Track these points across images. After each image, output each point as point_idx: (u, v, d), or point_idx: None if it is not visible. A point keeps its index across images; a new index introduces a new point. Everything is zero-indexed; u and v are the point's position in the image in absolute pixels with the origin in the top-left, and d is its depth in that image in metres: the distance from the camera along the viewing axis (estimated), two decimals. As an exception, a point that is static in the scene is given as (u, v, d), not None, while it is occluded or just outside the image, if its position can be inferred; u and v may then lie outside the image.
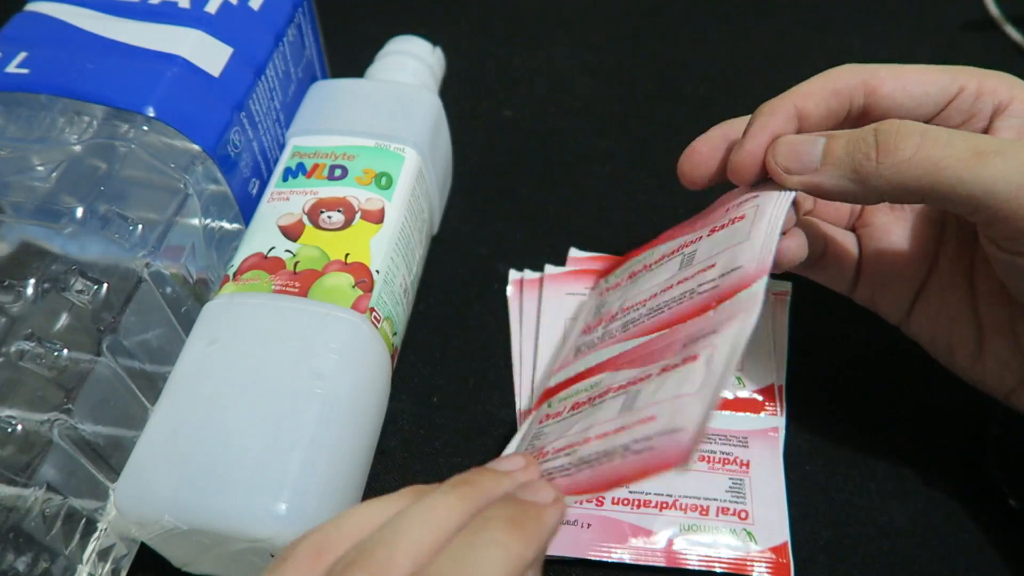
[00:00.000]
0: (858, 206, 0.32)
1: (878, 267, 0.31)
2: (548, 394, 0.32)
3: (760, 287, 0.25)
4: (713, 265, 0.28)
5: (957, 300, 0.29)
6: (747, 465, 0.32)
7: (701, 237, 0.30)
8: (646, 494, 0.31)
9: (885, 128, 0.25)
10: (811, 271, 0.32)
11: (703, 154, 0.30)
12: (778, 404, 0.34)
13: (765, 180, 0.28)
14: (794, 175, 0.27)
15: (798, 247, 0.28)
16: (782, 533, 0.30)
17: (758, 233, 0.27)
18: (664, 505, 0.31)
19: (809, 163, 0.26)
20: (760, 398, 0.34)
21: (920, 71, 0.28)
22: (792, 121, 0.28)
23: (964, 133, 0.24)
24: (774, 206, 0.27)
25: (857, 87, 0.28)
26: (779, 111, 0.28)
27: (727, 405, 0.34)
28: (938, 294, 0.30)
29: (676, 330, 0.27)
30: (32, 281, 0.28)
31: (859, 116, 0.28)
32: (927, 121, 0.28)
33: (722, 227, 0.29)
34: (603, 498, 0.31)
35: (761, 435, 0.33)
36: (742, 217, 0.28)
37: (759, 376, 0.35)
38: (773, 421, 0.33)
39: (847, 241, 0.32)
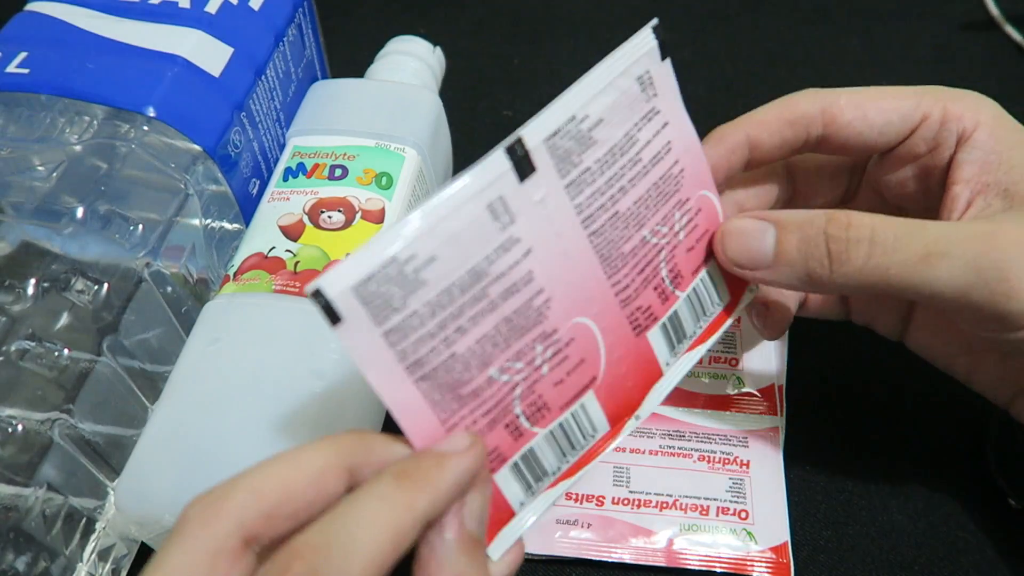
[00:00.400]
0: None
1: (863, 300, 0.32)
2: None
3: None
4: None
5: (947, 324, 0.29)
6: (747, 465, 0.32)
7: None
8: (646, 494, 0.31)
9: (835, 235, 0.25)
10: (800, 312, 0.32)
11: None
12: (778, 404, 0.34)
13: None
14: (746, 270, 0.26)
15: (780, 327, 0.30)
16: (782, 533, 0.30)
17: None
18: (664, 505, 0.31)
19: (761, 260, 0.26)
20: (760, 398, 0.34)
21: (883, 96, 0.27)
22: (742, 150, 0.28)
23: (913, 229, 0.24)
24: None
25: (815, 116, 0.27)
26: (729, 139, 0.28)
27: (727, 405, 0.34)
28: (927, 315, 0.30)
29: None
30: (32, 281, 0.28)
31: (817, 144, 0.28)
32: (891, 149, 0.28)
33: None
34: (603, 498, 0.31)
35: (761, 435, 0.33)
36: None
37: (759, 376, 0.35)
38: (773, 421, 0.33)
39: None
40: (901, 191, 0.29)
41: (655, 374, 0.27)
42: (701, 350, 0.28)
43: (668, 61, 0.25)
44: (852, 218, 0.25)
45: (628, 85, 0.24)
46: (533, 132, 0.22)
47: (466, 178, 0.21)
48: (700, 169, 0.27)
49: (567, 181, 0.23)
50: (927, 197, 0.28)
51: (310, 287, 0.19)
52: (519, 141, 0.22)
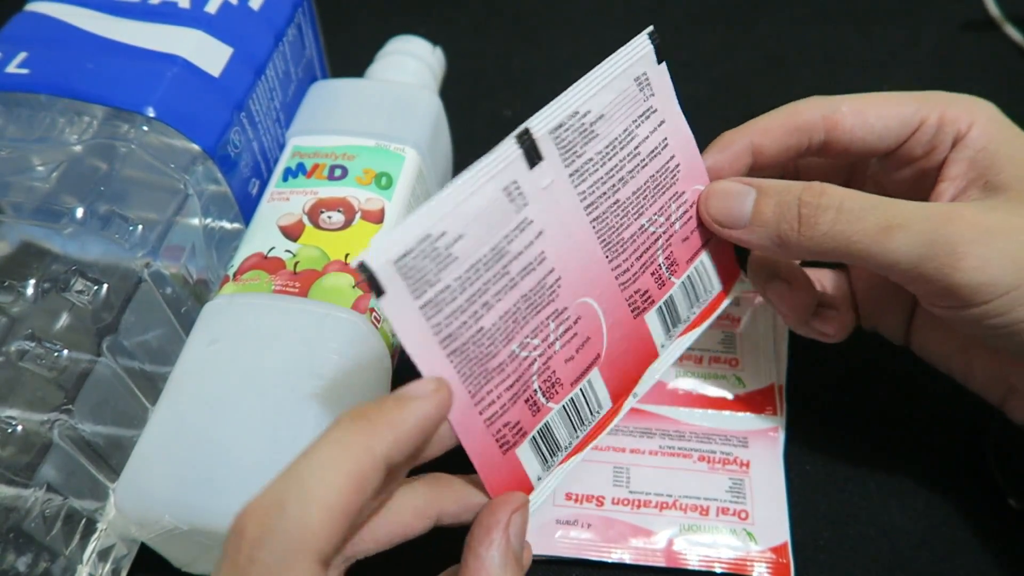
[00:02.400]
0: None
1: (870, 302, 0.32)
2: None
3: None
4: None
5: (942, 324, 0.30)
6: (747, 465, 0.32)
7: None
8: (646, 494, 0.31)
9: (808, 200, 0.26)
10: (810, 326, 0.32)
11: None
12: (778, 404, 0.34)
13: None
14: (725, 228, 0.28)
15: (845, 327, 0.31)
16: (782, 533, 0.31)
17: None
18: (664, 505, 0.31)
19: (739, 219, 0.28)
20: (760, 398, 0.34)
21: (884, 103, 0.28)
22: (746, 156, 0.29)
23: (878, 204, 0.26)
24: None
25: (818, 123, 0.28)
26: (734, 145, 0.29)
27: (727, 405, 0.34)
28: (926, 320, 0.31)
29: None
30: (32, 281, 0.28)
31: (820, 149, 0.29)
32: (891, 152, 0.29)
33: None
34: (603, 499, 0.31)
35: (761, 435, 0.33)
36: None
37: (759, 376, 0.35)
38: (773, 421, 0.33)
39: (838, 290, 0.33)
40: (899, 190, 0.29)
41: (651, 355, 0.29)
42: (694, 335, 0.30)
43: (664, 64, 0.27)
44: (826, 188, 0.26)
45: (626, 85, 0.26)
46: (539, 124, 0.24)
47: (482, 162, 0.23)
48: (694, 165, 0.29)
49: (571, 170, 0.25)
50: (924, 197, 0.29)
51: (355, 260, 0.21)
52: (527, 131, 0.24)
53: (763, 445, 0.33)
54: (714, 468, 0.32)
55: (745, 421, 0.33)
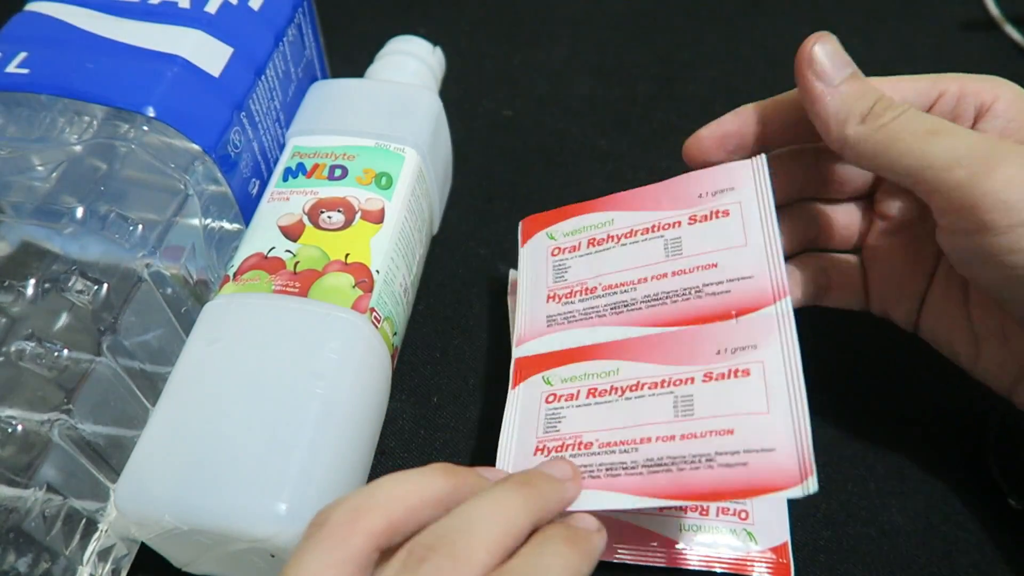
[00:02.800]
0: (859, 232, 0.33)
1: (883, 285, 0.32)
2: (529, 365, 0.31)
3: (787, 308, 0.27)
4: (714, 265, 0.29)
5: (954, 309, 0.30)
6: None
7: (680, 223, 0.31)
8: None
9: (882, 101, 0.27)
10: (821, 301, 0.33)
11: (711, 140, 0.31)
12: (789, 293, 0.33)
13: (725, 160, 0.31)
14: (817, 79, 0.28)
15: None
16: (782, 533, 0.30)
17: (757, 240, 0.29)
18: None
19: (834, 77, 0.28)
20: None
21: (900, 80, 0.29)
22: (758, 126, 0.30)
23: (934, 119, 0.27)
24: (760, 207, 0.29)
25: None
26: (748, 111, 0.30)
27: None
28: (938, 304, 0.31)
29: (697, 332, 0.28)
30: (32, 281, 0.28)
31: None
32: None
33: (704, 218, 0.30)
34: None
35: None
36: (727, 213, 0.30)
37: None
38: (791, 315, 0.32)
39: (850, 269, 0.33)
40: None
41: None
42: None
43: None
44: (896, 102, 0.28)
45: None
46: None
47: None
48: None
49: None
50: None
51: None
52: None
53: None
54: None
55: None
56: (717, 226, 0.30)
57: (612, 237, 0.32)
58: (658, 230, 0.31)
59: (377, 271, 0.31)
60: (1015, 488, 0.31)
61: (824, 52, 0.28)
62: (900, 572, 0.30)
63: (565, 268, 0.32)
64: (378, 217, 0.33)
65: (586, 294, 0.31)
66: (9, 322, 0.28)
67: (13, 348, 0.27)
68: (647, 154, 0.44)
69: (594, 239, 0.32)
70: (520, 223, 0.35)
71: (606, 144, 0.45)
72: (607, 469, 0.26)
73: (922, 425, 0.34)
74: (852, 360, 0.36)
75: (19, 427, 0.26)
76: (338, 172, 0.34)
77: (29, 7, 0.34)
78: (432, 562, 0.20)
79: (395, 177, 0.34)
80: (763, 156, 0.30)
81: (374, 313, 0.31)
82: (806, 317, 0.36)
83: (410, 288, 0.35)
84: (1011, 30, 0.50)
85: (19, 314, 0.28)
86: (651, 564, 0.30)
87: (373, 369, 0.30)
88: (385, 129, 0.35)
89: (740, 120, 0.30)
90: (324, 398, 0.28)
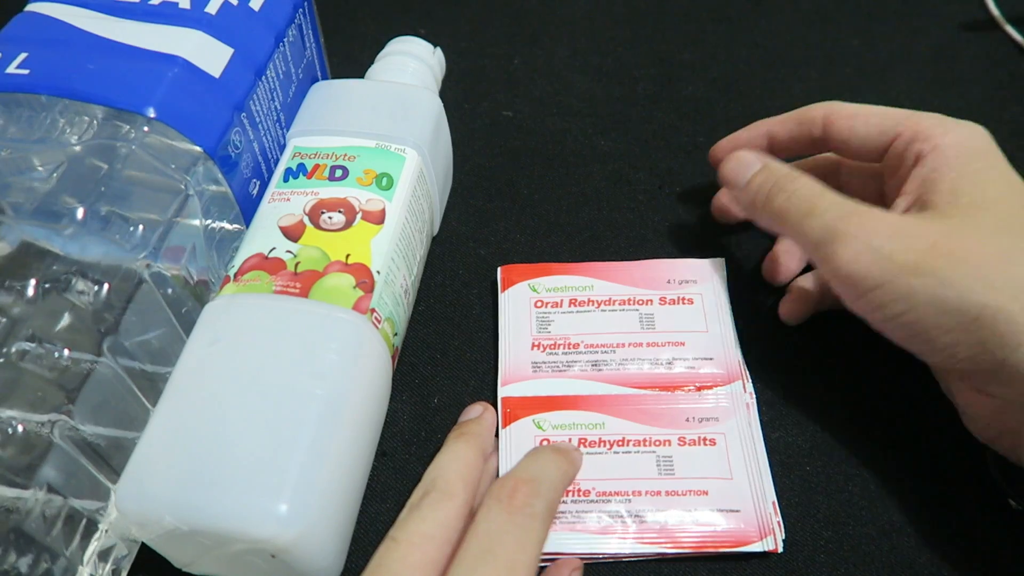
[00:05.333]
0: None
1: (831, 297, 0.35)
2: (518, 406, 0.33)
3: (740, 388, 0.33)
4: (683, 344, 0.35)
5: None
6: (721, 439, 0.32)
7: (652, 301, 0.36)
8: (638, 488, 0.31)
9: (778, 182, 0.32)
10: (837, 305, 0.34)
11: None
12: (743, 378, 0.34)
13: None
14: (730, 187, 0.35)
15: (796, 312, 0.36)
16: (768, 495, 0.31)
17: (715, 330, 0.35)
18: (654, 492, 0.31)
19: (738, 183, 0.34)
20: (724, 373, 0.34)
21: (872, 115, 0.33)
22: (762, 139, 0.37)
23: (819, 195, 0.31)
24: (717, 302, 0.36)
25: (818, 120, 0.34)
26: (757, 128, 0.37)
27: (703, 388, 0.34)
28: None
29: (671, 398, 0.33)
30: (33, 282, 0.28)
31: (821, 142, 0.35)
32: (882, 159, 0.33)
33: (672, 302, 0.36)
34: (590, 491, 0.31)
35: (732, 411, 0.33)
36: (691, 301, 0.36)
37: (720, 357, 0.35)
38: (744, 398, 0.33)
39: (807, 284, 0.37)
40: (895, 196, 0.32)
41: None
42: None
43: None
44: (797, 178, 0.32)
45: None
46: None
47: None
48: None
49: None
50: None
51: None
52: None
53: (737, 418, 0.33)
54: (693, 447, 0.32)
55: (715, 399, 0.33)
56: (684, 311, 0.36)
57: (592, 301, 0.36)
58: (634, 304, 0.36)
59: (378, 272, 0.31)
60: (1015, 488, 0.31)
61: (728, 169, 0.35)
62: (900, 572, 0.30)
63: (549, 321, 0.36)
64: (379, 218, 0.33)
65: (569, 348, 0.35)
66: (10, 323, 0.28)
67: (14, 349, 0.27)
68: (647, 154, 0.44)
69: (575, 300, 0.37)
70: (499, 269, 0.38)
71: (606, 144, 0.45)
72: (604, 513, 0.30)
73: (922, 425, 0.34)
74: (853, 360, 0.36)
75: (20, 428, 0.26)
76: (339, 173, 0.34)
77: (29, 7, 0.34)
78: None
79: (396, 178, 0.34)
80: (721, 259, 0.37)
81: (375, 314, 0.31)
82: (810, 317, 0.36)
83: (411, 289, 0.35)
84: (1011, 30, 0.50)
85: (20, 315, 0.28)
86: (645, 551, 0.30)
87: (374, 370, 0.30)
88: (386, 130, 0.35)
89: (749, 135, 0.37)
90: (325, 399, 0.28)
